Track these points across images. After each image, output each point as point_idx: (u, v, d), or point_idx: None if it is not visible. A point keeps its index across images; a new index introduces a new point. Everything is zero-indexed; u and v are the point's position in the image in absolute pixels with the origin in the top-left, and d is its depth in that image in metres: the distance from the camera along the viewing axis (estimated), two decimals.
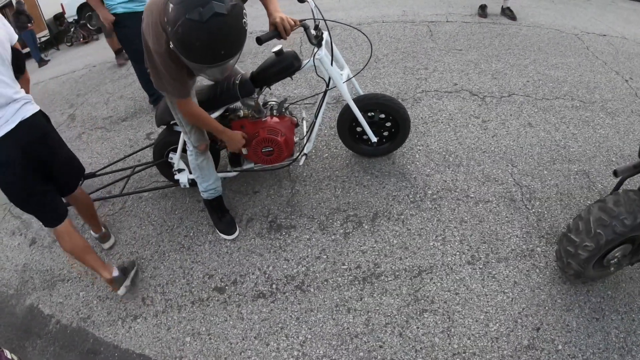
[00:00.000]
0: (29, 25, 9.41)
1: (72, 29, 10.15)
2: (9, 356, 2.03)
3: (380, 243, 2.34)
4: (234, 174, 2.67)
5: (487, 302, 2.02)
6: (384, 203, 2.55)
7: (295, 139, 2.61)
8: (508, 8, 4.82)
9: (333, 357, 1.92)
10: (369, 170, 2.77)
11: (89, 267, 2.25)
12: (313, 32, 2.08)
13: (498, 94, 3.38)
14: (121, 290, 2.27)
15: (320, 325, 2.04)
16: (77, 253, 2.20)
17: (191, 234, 2.63)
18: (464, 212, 2.44)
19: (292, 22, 1.96)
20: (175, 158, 2.58)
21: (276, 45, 2.17)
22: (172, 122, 2.45)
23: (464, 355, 1.85)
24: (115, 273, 2.25)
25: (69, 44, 10.36)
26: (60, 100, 5.07)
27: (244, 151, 2.45)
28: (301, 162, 2.51)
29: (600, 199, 1.80)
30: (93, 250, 2.27)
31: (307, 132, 2.56)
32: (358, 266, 2.25)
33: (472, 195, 2.52)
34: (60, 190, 2.23)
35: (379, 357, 1.89)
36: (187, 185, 2.67)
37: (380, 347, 1.92)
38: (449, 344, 1.89)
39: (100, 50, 6.59)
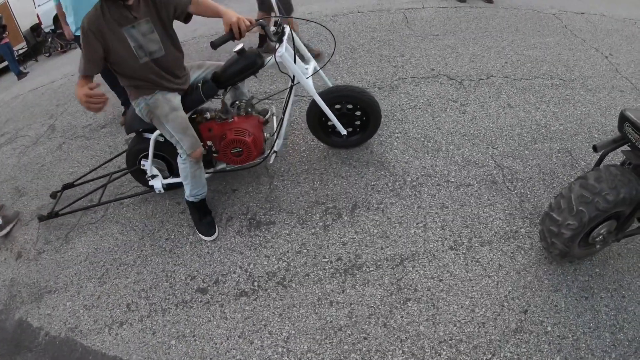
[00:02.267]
0: (4, 36, 9.24)
1: (49, 39, 9.99)
2: None
3: (361, 234, 2.32)
4: (207, 175, 2.62)
5: (472, 287, 2.00)
6: (362, 193, 2.53)
7: (266, 135, 2.59)
8: None
9: (317, 352, 1.89)
10: (346, 161, 2.75)
11: None
12: (273, 28, 2.05)
13: (476, 76, 3.36)
14: None
15: (304, 320, 2.02)
16: None
17: (172, 237, 2.59)
18: (445, 197, 2.41)
19: (248, 23, 1.95)
20: (147, 165, 2.54)
21: (238, 45, 2.13)
22: (140, 130, 2.42)
23: (450, 342, 1.83)
24: None
25: (47, 55, 10.16)
26: (40, 111, 4.98)
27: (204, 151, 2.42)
28: (271, 160, 2.49)
29: (582, 175, 1.78)
30: None
31: (276, 128, 2.53)
32: (339, 258, 2.23)
33: (453, 180, 2.50)
34: None
35: (363, 349, 1.87)
36: (162, 190, 2.64)
37: (365, 338, 1.90)
38: (435, 331, 1.87)
39: (78, 58, 6.50)
